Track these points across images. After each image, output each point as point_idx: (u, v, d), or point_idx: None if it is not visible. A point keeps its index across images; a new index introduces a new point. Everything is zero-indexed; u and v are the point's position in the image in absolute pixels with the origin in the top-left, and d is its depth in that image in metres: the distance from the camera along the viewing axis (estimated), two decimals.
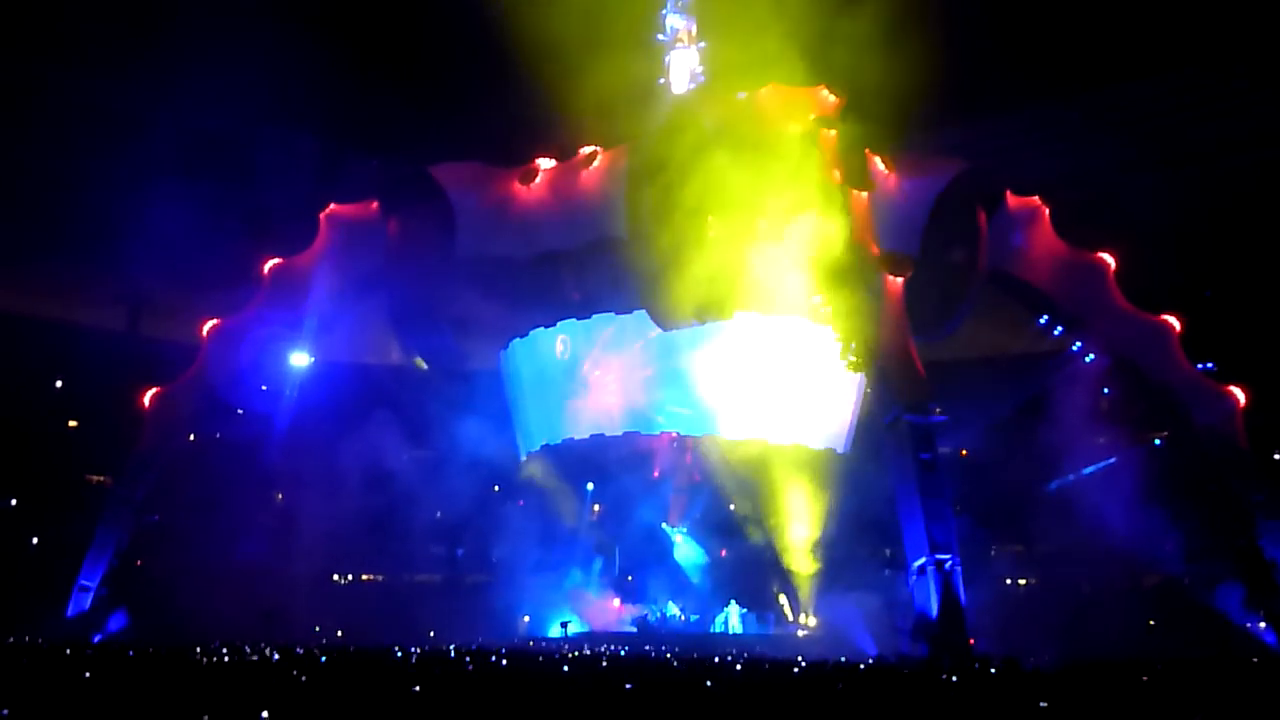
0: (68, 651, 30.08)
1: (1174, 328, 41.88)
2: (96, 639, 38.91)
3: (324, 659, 29.15)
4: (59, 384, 53.63)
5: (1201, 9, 52.94)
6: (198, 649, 31.78)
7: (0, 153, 48.16)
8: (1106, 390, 42.62)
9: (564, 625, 48.68)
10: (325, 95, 48.50)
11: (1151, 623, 42.42)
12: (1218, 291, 51.05)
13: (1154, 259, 47.35)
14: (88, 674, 23.32)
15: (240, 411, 44.11)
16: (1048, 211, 43.06)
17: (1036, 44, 54.09)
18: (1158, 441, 42.09)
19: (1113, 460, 43.39)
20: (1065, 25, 55.69)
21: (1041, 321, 43.41)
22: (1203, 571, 42.96)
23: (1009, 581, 48.67)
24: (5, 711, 14.49)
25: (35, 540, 48.99)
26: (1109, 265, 42.80)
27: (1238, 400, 40.35)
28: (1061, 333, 43.20)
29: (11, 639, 35.76)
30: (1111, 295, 42.55)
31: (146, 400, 42.97)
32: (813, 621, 49.20)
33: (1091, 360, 42.77)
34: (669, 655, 36.54)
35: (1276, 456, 43.78)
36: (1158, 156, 56.26)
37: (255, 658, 29.31)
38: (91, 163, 53.80)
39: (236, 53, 44.81)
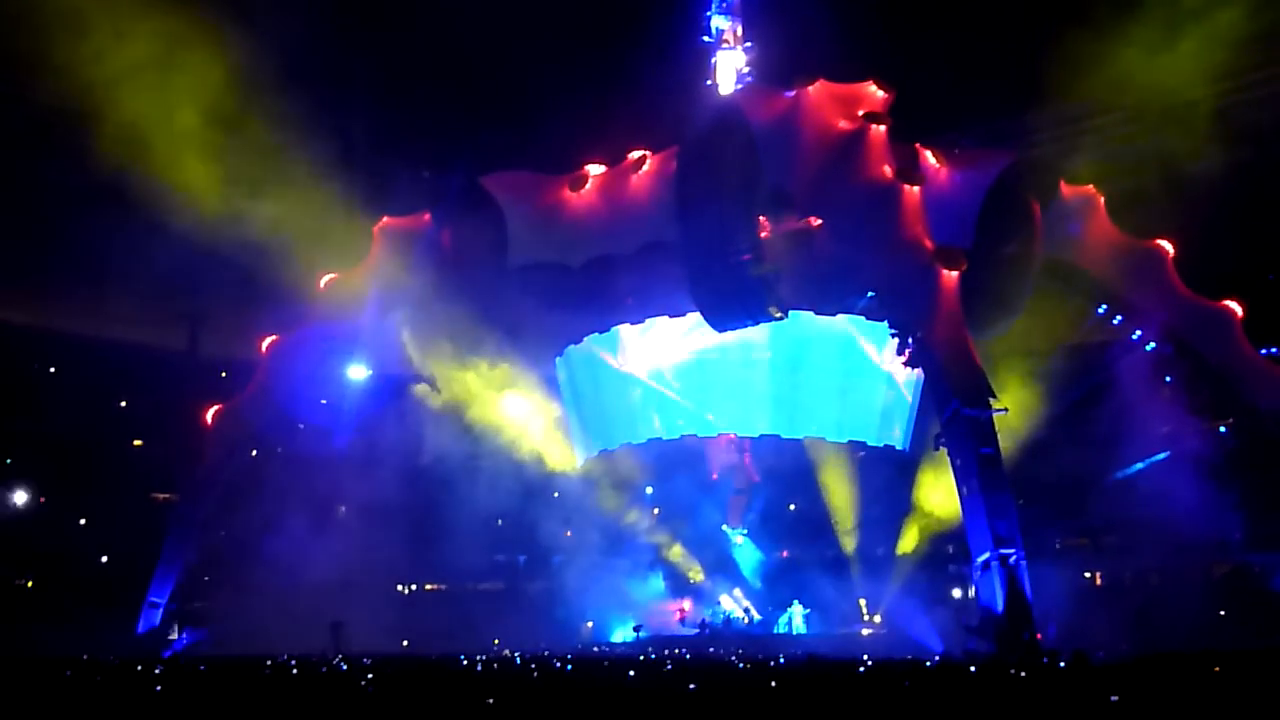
0: (139, 667, 30.50)
1: (1236, 313, 41.26)
2: (167, 654, 39.42)
3: (390, 669, 29.36)
4: (123, 404, 54.48)
5: None
6: (267, 662, 32.13)
7: (59, 181, 49.05)
8: (1169, 379, 42.01)
9: (636, 629, 48.69)
10: (375, 106, 48.90)
11: (1222, 612, 41.80)
12: None
13: (1213, 244, 46.70)
14: (159, 689, 23.66)
15: (301, 426, 44.47)
16: (1102, 200, 42.54)
17: (1084, 32, 53.51)
18: (1223, 429, 41.38)
19: (1177, 449, 42.81)
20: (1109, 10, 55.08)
21: (1100, 311, 42.85)
22: (1272, 559, 42.31)
23: (1076, 575, 48.08)
24: None
25: (104, 559, 49.75)
26: (1167, 252, 42.26)
27: None
28: (1121, 321, 42.64)
29: (84, 656, 36.30)
30: (1171, 282, 42.01)
31: (209, 417, 43.52)
32: (877, 620, 48.96)
33: (1152, 348, 42.20)
34: (733, 657, 36.50)
35: None
36: (1214, 139, 55.47)
37: (324, 669, 29.58)
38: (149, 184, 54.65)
39: (288, 65, 45.21)
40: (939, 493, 44.17)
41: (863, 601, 50.37)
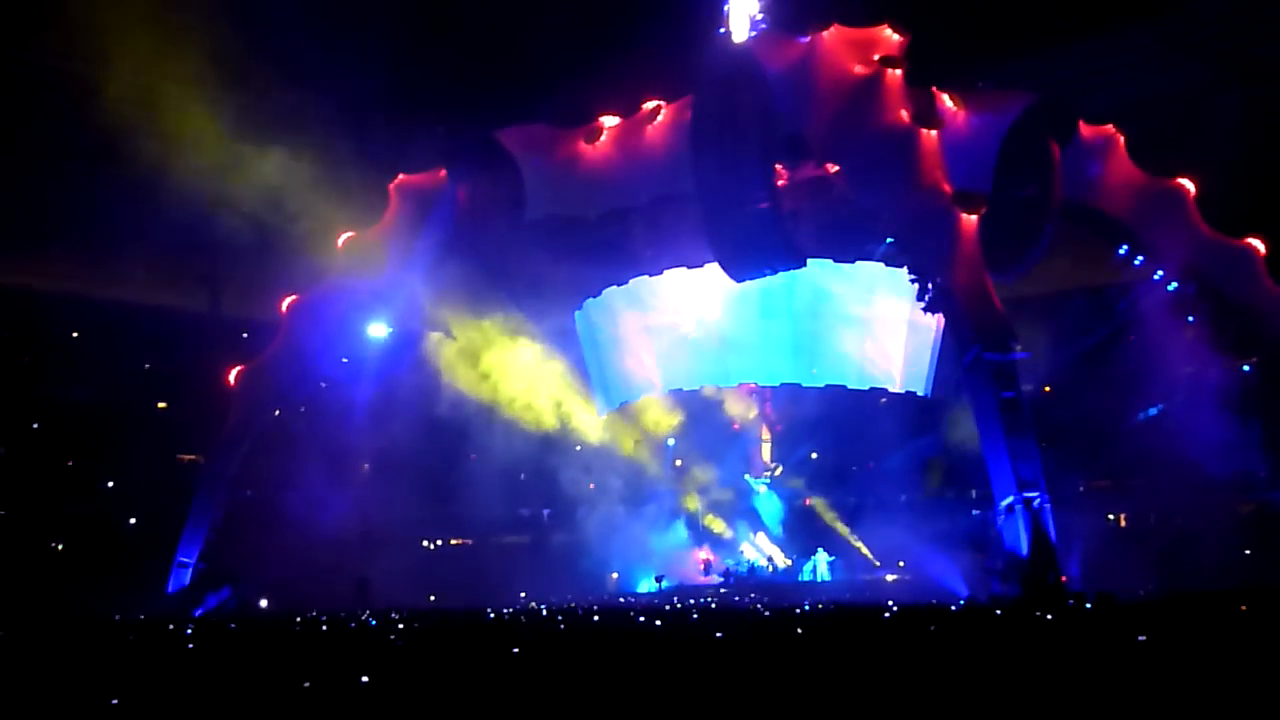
0: (170, 627, 30.85)
1: (1259, 250, 40.91)
2: (198, 613, 39.84)
3: (418, 624, 29.63)
4: (146, 367, 54.77)
5: None
6: (297, 619, 32.46)
7: (74, 143, 49.12)
8: (1191, 318, 41.75)
9: (659, 579, 49.00)
10: (390, 63, 48.66)
11: (1248, 551, 41.76)
12: None
13: (1236, 182, 46.26)
14: (190, 647, 23.94)
15: (323, 384, 44.63)
16: (1123, 140, 42.13)
17: None
18: (1246, 367, 41.12)
19: (1200, 388, 42.63)
20: None
21: (1121, 252, 42.55)
22: None
23: (1100, 517, 48.07)
24: (115, 701, 14.89)
25: (133, 521, 50.18)
26: (1189, 191, 41.85)
27: None
28: (1143, 262, 42.33)
29: (116, 616, 36.75)
30: (1193, 221, 41.62)
31: (232, 378, 43.71)
32: (902, 565, 49.12)
33: (1174, 288, 41.92)
34: (758, 605, 36.69)
35: None
36: (1235, 76, 54.87)
37: (353, 625, 29.87)
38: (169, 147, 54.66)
39: (302, 27, 45.01)
40: (962, 438, 44.15)
41: (864, 548, 50.49)
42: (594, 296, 47.76)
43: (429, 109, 52.78)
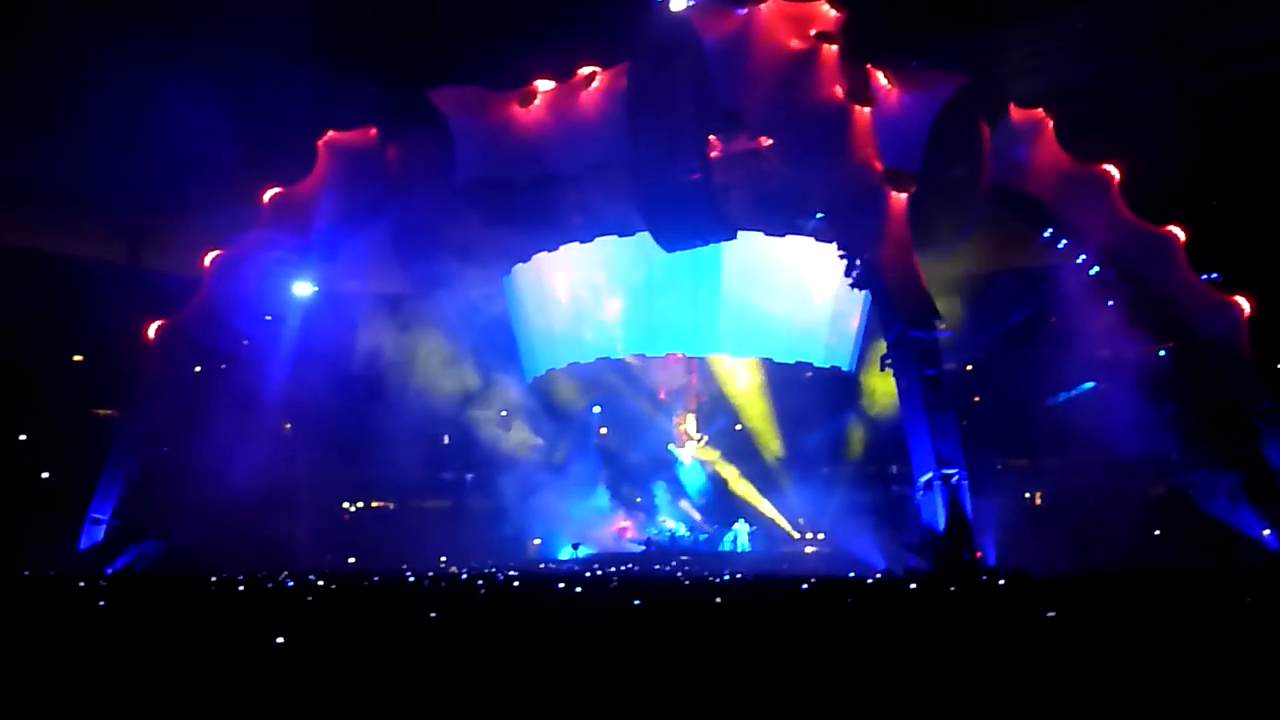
0: (81, 584, 30.40)
1: (1178, 238, 41.61)
2: (110, 570, 39.28)
3: (335, 585, 29.46)
4: (62, 318, 53.62)
5: None
6: (212, 578, 32.13)
7: None
8: (1111, 303, 42.41)
9: (575, 546, 49.11)
10: (321, 18, 47.89)
11: (1157, 532, 42.69)
12: (1223, 201, 50.74)
13: (1159, 170, 47.00)
14: (101, 604, 23.60)
15: (245, 341, 44.01)
16: (1051, 124, 42.61)
17: None
18: (1162, 353, 41.90)
19: (1117, 373, 43.38)
20: None
21: (1046, 234, 43.09)
22: (1207, 482, 43.16)
23: (1016, 495, 48.89)
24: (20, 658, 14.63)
25: (45, 475, 49.27)
26: (1113, 177, 42.43)
27: (1242, 310, 40.19)
28: (1066, 246, 42.89)
29: (26, 572, 36.13)
30: (1115, 207, 42.21)
31: (151, 332, 42.95)
32: (820, 538, 49.66)
33: (1096, 273, 42.53)
34: (679, 574, 36.95)
35: None
36: (1163, 65, 55.70)
37: (269, 585, 29.62)
38: (88, 94, 53.50)
39: None
40: (882, 413, 44.65)
41: (784, 521, 50.96)
42: (524, 262, 47.50)
43: (360, 66, 52.06)
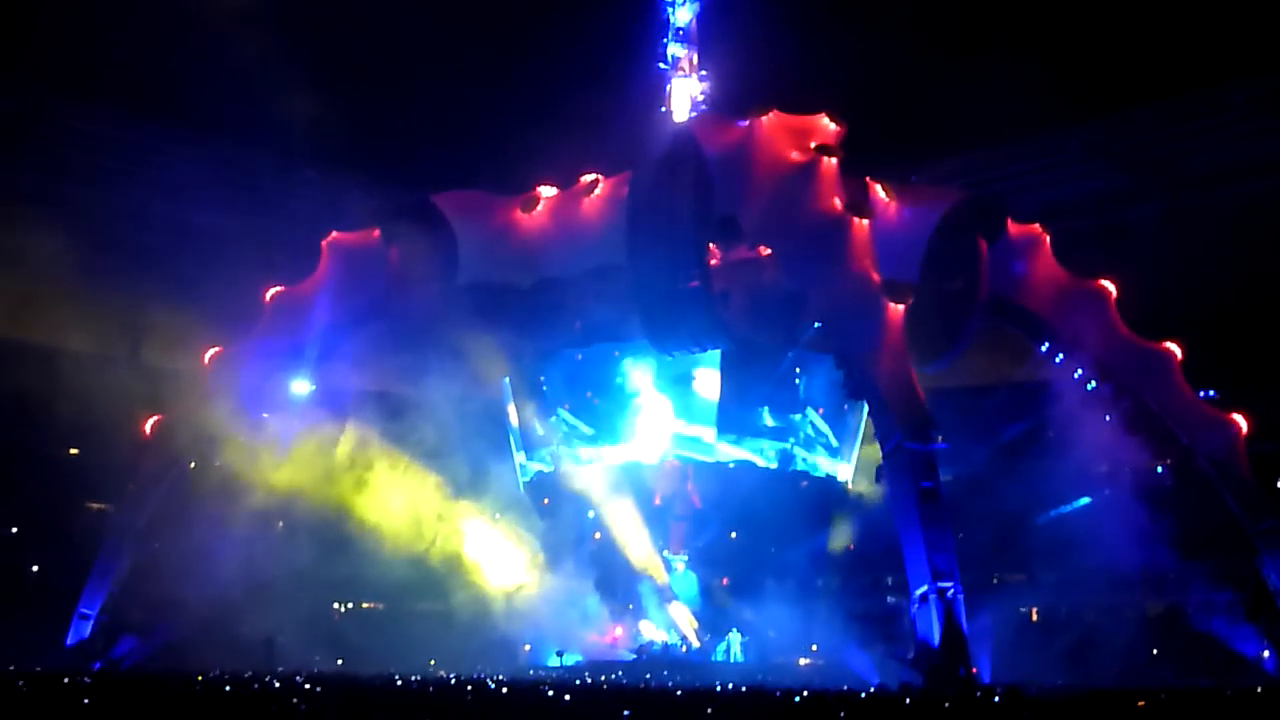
0: (66, 680, 29.96)
1: (1175, 355, 41.81)
2: (97, 666, 38.76)
3: (323, 688, 29.01)
4: (60, 411, 53.58)
5: (1199, 35, 53.52)
6: (199, 677, 31.67)
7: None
8: (1108, 417, 42.40)
9: (559, 654, 48.46)
10: (330, 123, 48.70)
11: (1155, 651, 42.27)
12: (1219, 320, 51.09)
13: (1155, 287, 47.42)
14: (86, 701, 23.26)
15: (242, 439, 43.89)
16: (1048, 239, 43.01)
17: (1036, 73, 54.50)
18: (1159, 469, 41.82)
19: (1115, 487, 43.29)
20: (1064, 54, 56.21)
21: (1043, 349, 43.26)
22: (1206, 600, 42.85)
23: (1012, 610, 48.47)
24: None
25: (35, 568, 48.88)
26: (1110, 292, 42.75)
27: (1240, 428, 40.25)
28: (1063, 360, 43.03)
29: (12, 667, 35.64)
30: (1112, 322, 42.46)
31: (148, 428, 42.92)
32: (815, 649, 49.04)
33: (1093, 388, 42.61)
34: (670, 684, 36.43)
35: (1279, 484, 43.61)
36: (1159, 184, 56.54)
37: (256, 686, 29.20)
38: (93, 191, 54.20)
39: (240, 79, 45.06)
40: (876, 526, 44.40)
41: (777, 632, 50.37)
42: (522, 364, 47.59)
43: (365, 168, 52.89)
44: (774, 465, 47.02)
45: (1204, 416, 41.05)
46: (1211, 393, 43.01)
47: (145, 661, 40.47)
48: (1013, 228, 42.30)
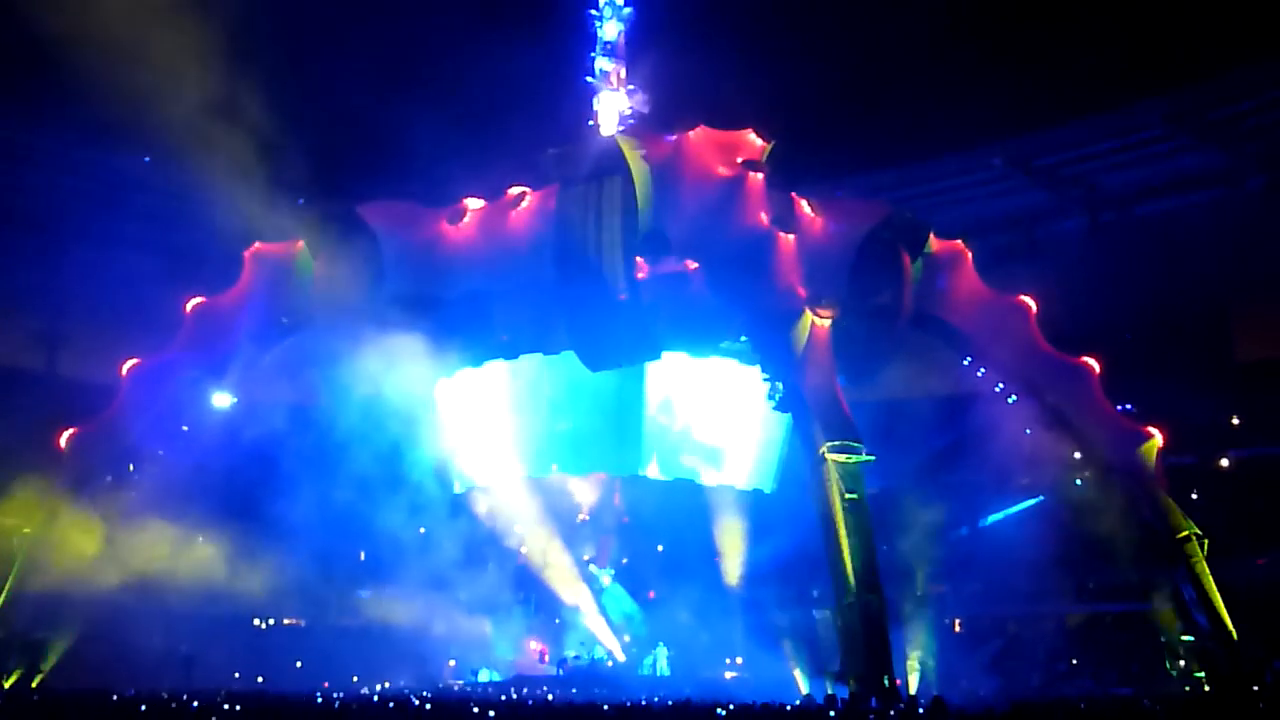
0: None
1: (1093, 369, 42.36)
2: (4, 687, 37.88)
3: (242, 706, 28.56)
4: None
5: (1117, 56, 54.64)
6: (114, 695, 31.06)
7: None
8: (1029, 430, 42.89)
9: (474, 673, 48.22)
10: (254, 131, 48.08)
11: (1075, 661, 42.84)
12: (1137, 334, 52.07)
13: (1075, 302, 48.16)
14: None
15: (160, 453, 43.10)
16: (970, 255, 43.48)
17: (961, 91, 55.39)
18: (1078, 481, 42.32)
19: (1036, 499, 43.84)
20: (986, 73, 57.09)
21: (965, 362, 43.71)
22: (1123, 609, 43.47)
23: (936, 620, 48.92)
24: None
25: None
26: (1030, 307, 43.21)
27: (1156, 441, 40.86)
28: (984, 374, 43.49)
29: None
30: (1032, 337, 42.88)
31: (63, 441, 42.01)
32: (740, 662, 49.19)
33: (1014, 401, 43.09)
34: (596, 699, 36.31)
35: (1194, 496, 44.42)
36: (1077, 200, 57.57)
37: (173, 705, 28.68)
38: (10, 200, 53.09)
39: (161, 87, 44.30)
40: (804, 536, 44.63)
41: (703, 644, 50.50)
42: (448, 377, 47.28)
43: (289, 179, 52.29)
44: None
45: (1121, 429, 41.60)
46: (1129, 406, 43.69)
47: (61, 679, 39.50)
48: (935, 243, 42.75)
